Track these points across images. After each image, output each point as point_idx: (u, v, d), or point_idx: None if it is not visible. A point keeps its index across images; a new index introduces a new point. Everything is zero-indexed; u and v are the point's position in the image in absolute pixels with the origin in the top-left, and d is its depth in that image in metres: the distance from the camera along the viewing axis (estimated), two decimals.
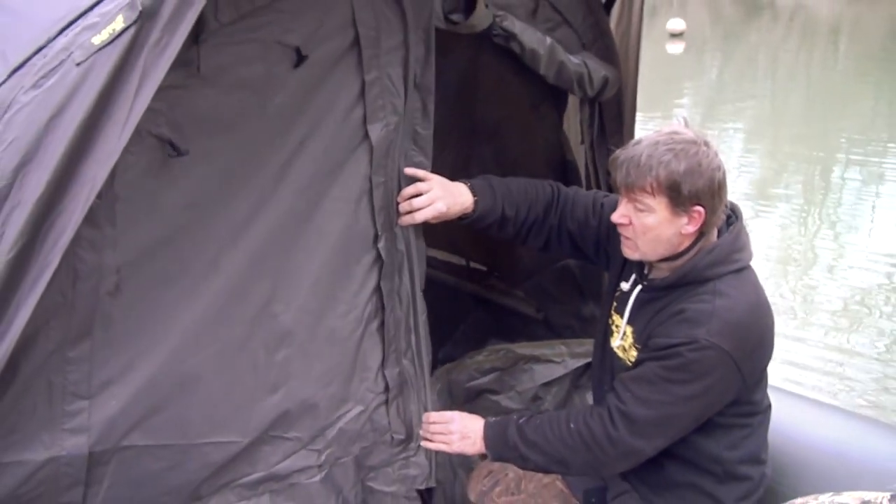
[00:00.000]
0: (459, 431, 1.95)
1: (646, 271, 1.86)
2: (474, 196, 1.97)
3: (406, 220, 1.91)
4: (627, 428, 1.74)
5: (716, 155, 1.71)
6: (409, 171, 1.92)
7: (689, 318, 1.70)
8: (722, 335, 1.67)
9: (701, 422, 1.77)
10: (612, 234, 1.91)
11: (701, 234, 1.75)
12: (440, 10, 1.92)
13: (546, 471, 1.99)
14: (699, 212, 1.70)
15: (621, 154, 1.75)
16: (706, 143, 1.71)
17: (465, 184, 1.99)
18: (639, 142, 1.75)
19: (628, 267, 1.92)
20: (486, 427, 1.94)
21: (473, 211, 1.97)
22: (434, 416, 2.01)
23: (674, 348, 1.69)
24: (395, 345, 1.97)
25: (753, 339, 1.75)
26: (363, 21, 1.75)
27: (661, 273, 1.82)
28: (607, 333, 1.95)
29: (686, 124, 1.78)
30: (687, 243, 1.76)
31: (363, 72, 1.78)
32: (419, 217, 1.90)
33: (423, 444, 2.00)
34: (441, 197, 1.91)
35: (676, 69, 16.56)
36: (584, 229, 2.02)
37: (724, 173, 1.72)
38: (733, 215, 1.83)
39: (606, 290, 2.02)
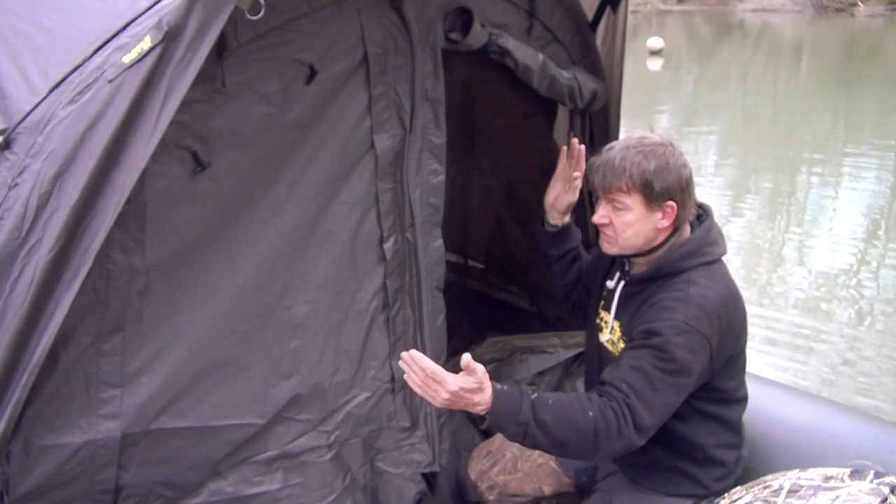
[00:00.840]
0: (450, 400, 1.54)
1: (627, 268, 1.83)
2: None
3: None
4: (637, 430, 1.63)
5: (681, 154, 1.70)
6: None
7: (667, 305, 1.66)
8: (699, 319, 1.62)
9: None
10: (597, 258, 1.97)
11: (675, 229, 1.73)
12: (441, 29, 1.88)
13: (543, 450, 1.72)
14: (672, 206, 1.68)
15: (597, 160, 1.72)
16: (671, 144, 1.70)
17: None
18: (611, 148, 1.72)
19: (613, 267, 1.90)
20: (496, 397, 1.57)
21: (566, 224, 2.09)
22: (429, 367, 1.52)
23: (659, 336, 1.62)
24: (403, 339, 1.92)
25: (723, 325, 1.69)
26: (372, 41, 1.71)
27: (640, 268, 1.79)
28: (596, 329, 1.91)
29: (651, 129, 1.75)
30: (662, 237, 1.73)
31: (371, 87, 1.74)
32: None
33: (406, 377, 1.57)
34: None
35: (656, 83, 16.45)
36: (589, 268, 2.06)
37: (690, 170, 1.70)
38: (704, 213, 1.80)
39: (594, 290, 1.98)
